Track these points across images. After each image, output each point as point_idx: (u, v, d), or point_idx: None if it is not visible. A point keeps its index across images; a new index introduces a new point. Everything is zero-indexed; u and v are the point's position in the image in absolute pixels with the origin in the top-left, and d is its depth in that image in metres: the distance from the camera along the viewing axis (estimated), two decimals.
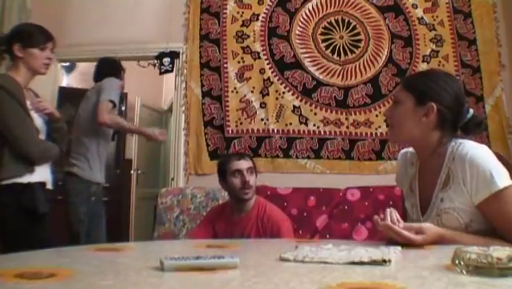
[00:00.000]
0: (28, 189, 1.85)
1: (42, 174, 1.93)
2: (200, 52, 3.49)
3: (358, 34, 3.44)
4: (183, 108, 3.43)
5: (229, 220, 2.07)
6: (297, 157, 3.29)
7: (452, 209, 1.16)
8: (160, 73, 3.57)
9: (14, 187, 1.82)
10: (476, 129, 1.23)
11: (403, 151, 1.42)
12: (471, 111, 1.24)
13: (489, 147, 1.18)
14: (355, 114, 3.32)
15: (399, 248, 0.96)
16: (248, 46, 3.46)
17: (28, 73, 1.91)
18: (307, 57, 3.42)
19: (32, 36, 1.89)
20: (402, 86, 1.28)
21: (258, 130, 3.34)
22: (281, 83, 3.38)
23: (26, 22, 2.06)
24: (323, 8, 3.51)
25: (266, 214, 2.01)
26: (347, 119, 3.31)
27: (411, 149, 1.36)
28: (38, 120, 1.93)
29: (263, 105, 3.36)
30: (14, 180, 1.82)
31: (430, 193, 1.22)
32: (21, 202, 1.81)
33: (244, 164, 2.07)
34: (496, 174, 1.11)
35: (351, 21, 3.47)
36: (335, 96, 3.35)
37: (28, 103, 1.86)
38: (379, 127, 3.29)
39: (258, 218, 2.00)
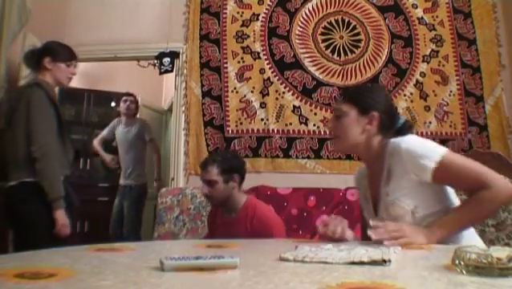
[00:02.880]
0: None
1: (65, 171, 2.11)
2: (200, 52, 3.49)
3: (358, 34, 3.44)
4: (183, 108, 3.43)
5: (222, 220, 2.06)
6: (297, 157, 3.29)
7: (397, 199, 1.26)
8: (160, 73, 3.57)
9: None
10: (409, 131, 1.35)
11: (357, 169, 1.56)
12: (403, 117, 1.41)
13: (489, 147, 1.22)
14: None
15: (399, 248, 0.96)
16: (248, 46, 3.46)
17: (53, 83, 2.17)
18: (307, 57, 3.42)
19: (61, 52, 2.18)
20: (344, 99, 1.40)
21: (257, 130, 3.34)
22: (281, 83, 3.38)
23: (56, 41, 2.30)
24: (322, 8, 3.51)
25: (256, 217, 1.93)
26: None
27: (364, 167, 1.50)
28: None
29: (263, 105, 3.36)
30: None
31: (378, 193, 1.34)
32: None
33: (204, 175, 1.97)
34: (431, 149, 1.22)
35: (351, 21, 3.47)
36: (335, 96, 3.35)
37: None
38: None
39: (247, 220, 1.94)
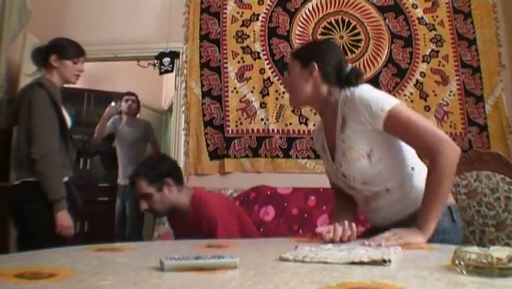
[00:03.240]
0: (65, 187, 2.03)
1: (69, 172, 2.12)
2: (200, 52, 3.49)
3: (358, 34, 3.44)
4: (183, 108, 3.43)
5: (180, 223, 1.93)
6: (297, 157, 3.29)
7: (353, 144, 1.32)
8: (160, 73, 3.57)
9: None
10: (357, 80, 1.38)
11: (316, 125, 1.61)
12: (350, 66, 1.43)
13: (489, 147, 1.23)
14: None
15: (399, 248, 0.96)
16: (248, 46, 3.46)
17: (60, 81, 2.15)
18: None
19: (67, 49, 2.15)
20: (290, 57, 1.49)
21: (258, 130, 3.34)
22: (281, 83, 3.38)
23: (63, 37, 2.27)
24: (322, 8, 3.51)
25: (205, 218, 1.77)
26: None
27: (319, 121, 1.57)
28: (68, 120, 2.14)
29: (263, 105, 3.36)
30: None
31: (334, 141, 1.40)
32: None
33: (136, 191, 1.84)
34: (383, 99, 1.29)
35: (351, 21, 3.47)
36: None
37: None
38: None
39: (202, 220, 1.78)
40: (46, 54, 2.12)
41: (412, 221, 1.24)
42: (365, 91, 1.32)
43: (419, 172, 1.35)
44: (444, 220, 1.29)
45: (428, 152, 1.23)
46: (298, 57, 1.45)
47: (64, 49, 2.14)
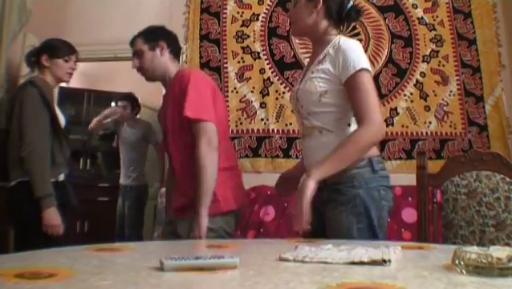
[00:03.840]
0: (59, 186, 2.07)
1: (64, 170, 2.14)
2: (200, 52, 3.49)
3: (358, 34, 3.44)
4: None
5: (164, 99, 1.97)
6: (297, 157, 3.28)
7: (316, 77, 1.44)
8: None
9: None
10: (357, 16, 1.52)
11: None
12: (351, 2, 1.52)
13: (489, 147, 1.24)
14: None
15: (399, 248, 0.96)
16: (248, 46, 3.46)
17: (53, 80, 2.17)
18: (307, 57, 3.41)
19: (58, 48, 2.17)
20: None
21: (258, 130, 3.34)
22: (281, 83, 3.38)
23: (54, 38, 2.29)
24: None
25: (177, 85, 1.76)
26: None
27: None
28: (61, 119, 2.16)
29: (263, 105, 3.36)
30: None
31: (308, 70, 1.53)
32: (57, 199, 1.99)
33: (132, 50, 1.87)
34: (360, 59, 1.39)
35: None
36: None
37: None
38: None
39: (172, 91, 1.82)
40: (38, 54, 2.16)
41: (337, 175, 1.35)
42: (352, 44, 1.43)
43: (351, 131, 1.44)
44: (365, 171, 1.40)
45: (359, 120, 1.37)
46: None
47: (54, 48, 2.17)
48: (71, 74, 2.22)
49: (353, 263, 0.77)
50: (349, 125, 1.44)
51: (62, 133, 2.12)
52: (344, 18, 1.51)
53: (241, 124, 3.36)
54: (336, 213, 1.42)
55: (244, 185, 1.93)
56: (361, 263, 0.77)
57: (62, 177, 2.10)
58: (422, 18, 3.45)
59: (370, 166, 1.41)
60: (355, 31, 3.45)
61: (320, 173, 1.31)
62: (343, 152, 1.35)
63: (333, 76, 1.41)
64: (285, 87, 3.38)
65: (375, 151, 1.45)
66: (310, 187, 1.28)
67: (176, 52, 1.92)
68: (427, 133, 3.27)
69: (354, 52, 1.40)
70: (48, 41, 2.24)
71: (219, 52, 3.47)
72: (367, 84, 1.38)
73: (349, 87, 1.39)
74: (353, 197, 1.38)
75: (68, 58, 2.18)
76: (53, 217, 1.94)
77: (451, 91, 3.33)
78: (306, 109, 1.47)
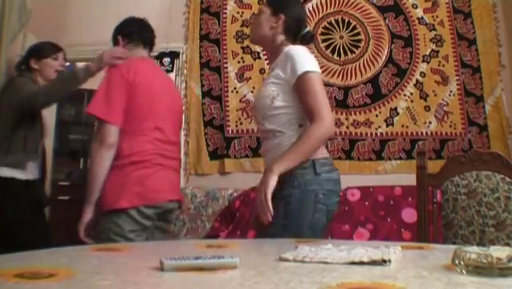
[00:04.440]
0: (31, 185, 2.12)
1: (35, 171, 2.19)
2: (200, 52, 3.49)
3: (358, 34, 3.44)
4: (183, 108, 3.42)
5: None
6: None
7: (269, 82, 1.55)
8: None
9: (17, 183, 2.07)
10: (310, 41, 1.69)
11: None
12: (308, 28, 1.70)
13: (489, 147, 1.24)
14: (355, 114, 3.32)
15: (399, 248, 0.96)
16: (248, 46, 3.46)
17: (42, 80, 2.27)
18: None
19: (44, 49, 2.30)
20: (265, 2, 1.73)
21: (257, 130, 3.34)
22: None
23: (38, 42, 2.43)
24: (323, 8, 3.51)
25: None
26: (347, 119, 3.31)
27: None
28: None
29: None
30: (15, 176, 2.07)
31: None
32: (27, 197, 2.06)
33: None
34: (306, 62, 1.49)
35: (351, 21, 3.47)
36: (335, 96, 3.35)
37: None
38: (379, 127, 3.29)
39: None
40: (27, 60, 2.28)
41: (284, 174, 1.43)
42: (298, 49, 1.54)
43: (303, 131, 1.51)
44: (307, 172, 1.46)
45: (310, 119, 1.45)
46: (272, 5, 1.66)
47: (41, 49, 2.29)
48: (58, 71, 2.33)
49: (353, 263, 0.77)
50: (300, 126, 1.52)
51: (39, 121, 2.20)
52: (299, 39, 1.64)
53: (241, 124, 3.35)
54: (274, 204, 1.46)
55: (167, 181, 1.86)
56: (361, 263, 0.77)
57: (34, 176, 2.15)
58: (422, 18, 3.45)
59: (312, 168, 1.46)
60: (356, 31, 3.45)
61: (279, 167, 1.40)
62: (299, 146, 1.43)
63: (283, 80, 1.51)
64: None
65: (321, 153, 1.50)
66: (272, 180, 1.37)
67: (131, 38, 2.07)
68: (427, 133, 3.27)
69: (300, 57, 1.50)
70: (32, 46, 2.37)
71: (219, 52, 3.47)
72: (315, 85, 1.47)
73: (298, 89, 1.48)
74: (289, 195, 1.45)
75: (56, 56, 2.30)
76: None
77: (451, 91, 3.33)
78: (261, 114, 1.57)
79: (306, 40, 1.66)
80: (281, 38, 1.63)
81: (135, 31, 2.06)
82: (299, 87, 1.48)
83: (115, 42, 2.02)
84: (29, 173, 2.13)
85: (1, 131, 2.07)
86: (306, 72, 1.47)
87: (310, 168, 1.46)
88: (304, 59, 1.51)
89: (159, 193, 1.78)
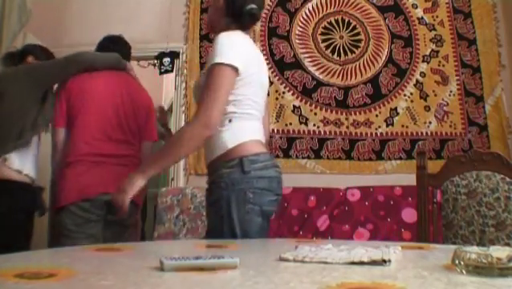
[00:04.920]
0: (30, 191, 2.10)
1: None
2: (200, 52, 3.49)
3: (358, 34, 3.44)
4: (183, 108, 3.43)
5: None
6: (297, 157, 3.29)
7: (203, 72, 1.52)
8: (160, 73, 3.57)
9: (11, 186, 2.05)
10: (251, 20, 1.53)
11: None
12: (251, 7, 1.50)
13: (489, 147, 1.23)
14: (355, 114, 3.32)
15: (399, 248, 0.96)
16: None
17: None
18: (307, 57, 3.42)
19: (42, 52, 2.32)
20: None
21: None
22: (281, 83, 3.38)
23: (32, 44, 2.50)
24: (323, 8, 3.51)
25: None
26: (347, 119, 3.31)
27: None
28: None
29: None
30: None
31: None
32: (22, 203, 2.05)
33: None
34: (223, 52, 1.36)
35: (351, 21, 3.47)
36: (335, 96, 3.35)
37: None
38: (379, 127, 3.29)
39: None
40: (22, 56, 2.27)
41: (212, 166, 1.42)
42: (222, 37, 1.40)
43: (234, 126, 1.42)
44: (234, 171, 1.37)
45: (195, 114, 1.36)
46: None
47: (40, 51, 2.32)
48: None
49: (353, 263, 0.77)
50: (230, 121, 1.41)
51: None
52: (239, 19, 1.51)
53: None
54: (208, 213, 1.47)
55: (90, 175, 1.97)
56: (361, 263, 0.77)
57: (30, 180, 2.10)
58: (422, 18, 3.45)
59: (240, 166, 1.37)
60: (356, 31, 3.45)
61: (144, 171, 1.35)
62: (167, 149, 1.39)
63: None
64: (285, 87, 3.38)
65: (250, 149, 1.40)
66: (135, 184, 1.33)
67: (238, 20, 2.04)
68: (427, 133, 3.27)
69: (219, 45, 1.38)
70: (29, 46, 2.43)
71: None
72: (216, 79, 1.34)
73: (206, 78, 1.39)
74: (219, 198, 1.38)
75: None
76: None
77: (451, 91, 3.33)
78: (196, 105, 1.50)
79: (245, 20, 1.51)
80: (224, 20, 1.52)
81: (110, 48, 2.24)
82: (206, 77, 1.38)
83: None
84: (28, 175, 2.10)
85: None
86: (214, 64, 1.35)
87: (237, 166, 1.37)
88: (222, 48, 1.37)
89: (91, 187, 1.93)
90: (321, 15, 3.50)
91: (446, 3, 3.46)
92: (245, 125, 1.44)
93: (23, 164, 2.04)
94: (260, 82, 1.52)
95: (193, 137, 1.33)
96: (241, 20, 1.50)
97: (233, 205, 1.35)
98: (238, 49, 1.40)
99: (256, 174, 1.38)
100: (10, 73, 2.15)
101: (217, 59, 1.35)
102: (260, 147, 1.45)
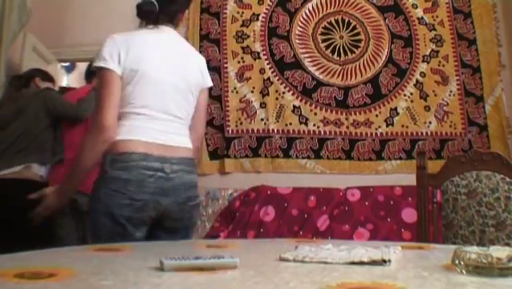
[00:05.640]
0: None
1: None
2: (200, 52, 3.48)
3: (358, 34, 3.44)
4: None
5: None
6: (297, 157, 3.28)
7: None
8: None
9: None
10: (145, 16, 1.50)
11: None
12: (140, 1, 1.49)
13: (489, 147, 1.22)
14: (355, 114, 3.32)
15: (399, 248, 0.96)
16: (248, 46, 3.46)
17: None
18: (307, 57, 3.42)
19: (47, 75, 2.79)
20: None
21: (257, 130, 3.34)
22: (281, 83, 3.38)
23: (36, 68, 2.87)
24: (323, 8, 3.51)
25: None
26: (347, 119, 3.31)
27: None
28: None
29: (263, 105, 3.36)
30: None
31: None
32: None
33: None
34: (98, 55, 1.37)
35: (351, 21, 3.47)
36: (335, 96, 3.35)
37: None
38: (379, 127, 3.29)
39: None
40: (28, 79, 2.67)
41: None
42: (107, 38, 1.40)
43: (119, 125, 1.36)
44: (100, 170, 1.34)
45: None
46: None
47: (43, 73, 2.75)
48: None
49: (353, 263, 0.77)
50: (119, 120, 1.38)
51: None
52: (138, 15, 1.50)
53: (241, 124, 3.35)
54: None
55: None
56: (361, 263, 0.77)
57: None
58: (422, 18, 3.45)
59: (102, 165, 1.34)
60: (356, 31, 3.45)
61: (59, 187, 1.40)
62: (74, 163, 1.38)
63: None
64: (285, 87, 3.38)
65: (117, 149, 1.33)
66: (46, 200, 1.37)
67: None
68: (427, 133, 3.27)
69: (101, 47, 1.37)
70: (33, 69, 2.79)
71: (219, 52, 3.46)
72: (98, 83, 1.39)
73: None
74: (84, 204, 1.42)
75: (54, 83, 2.81)
76: None
77: (451, 91, 3.33)
78: None
79: (140, 15, 1.50)
80: (139, 20, 1.51)
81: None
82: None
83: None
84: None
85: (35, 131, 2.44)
86: (97, 68, 1.37)
87: (102, 165, 1.33)
88: (100, 50, 1.37)
89: None
90: (321, 15, 3.50)
91: (446, 3, 3.46)
92: (125, 124, 1.36)
93: (43, 171, 2.41)
94: (154, 79, 1.40)
95: (92, 143, 1.32)
96: (138, 16, 1.51)
97: (91, 209, 1.35)
98: (112, 49, 1.37)
99: (112, 174, 1.31)
100: (31, 93, 2.55)
101: (96, 63, 1.36)
102: (135, 147, 1.33)
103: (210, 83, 1.62)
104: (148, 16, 1.48)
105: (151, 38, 1.45)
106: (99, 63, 1.34)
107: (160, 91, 1.40)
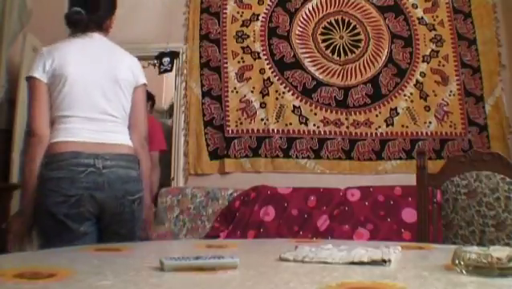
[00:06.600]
0: None
1: None
2: (200, 52, 3.49)
3: (358, 34, 3.44)
4: (183, 108, 3.43)
5: None
6: (297, 157, 3.28)
7: None
8: (160, 73, 3.57)
9: None
10: (71, 24, 1.61)
11: None
12: (73, 10, 1.60)
13: (489, 147, 1.23)
14: (355, 114, 3.32)
15: (399, 248, 0.96)
16: (248, 46, 3.46)
17: None
18: (307, 57, 3.42)
19: None
20: None
21: (258, 130, 3.34)
22: (281, 83, 3.38)
23: None
24: (323, 8, 3.51)
25: None
26: (347, 119, 3.31)
27: None
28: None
29: (263, 105, 3.36)
30: None
31: None
32: None
33: None
34: (32, 66, 1.46)
35: (351, 21, 3.47)
36: (335, 96, 3.35)
37: None
38: (379, 127, 3.29)
39: None
40: None
41: None
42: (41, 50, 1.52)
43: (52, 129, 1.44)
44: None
45: None
46: None
47: None
48: None
49: (353, 263, 0.77)
50: (52, 125, 1.46)
51: None
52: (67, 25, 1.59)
53: (241, 124, 3.35)
54: None
55: None
56: (361, 263, 0.77)
57: None
58: (422, 18, 3.45)
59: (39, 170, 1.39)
60: (356, 31, 3.44)
61: (19, 212, 1.45)
62: (22, 182, 1.46)
63: None
64: (285, 87, 3.37)
65: (49, 151, 1.40)
66: (15, 227, 1.40)
67: None
68: (427, 133, 3.26)
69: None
70: None
71: (219, 52, 3.46)
72: (28, 94, 1.46)
73: None
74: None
75: None
76: None
77: (451, 91, 3.33)
78: None
79: (70, 26, 1.60)
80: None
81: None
82: None
83: None
84: None
85: None
86: (27, 77, 1.47)
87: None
88: (32, 62, 1.50)
89: None
90: (321, 15, 3.50)
91: (446, 3, 3.46)
92: (58, 128, 1.43)
93: None
94: (79, 82, 1.47)
95: (30, 154, 1.39)
96: (67, 26, 1.60)
97: (34, 208, 1.39)
98: (39, 61, 1.46)
99: (47, 175, 1.37)
100: None
101: (31, 73, 1.45)
102: (66, 147, 1.39)
103: (143, 81, 1.64)
104: (77, 25, 1.57)
105: (77, 44, 1.55)
106: (26, 74, 1.45)
107: (88, 93, 1.47)
